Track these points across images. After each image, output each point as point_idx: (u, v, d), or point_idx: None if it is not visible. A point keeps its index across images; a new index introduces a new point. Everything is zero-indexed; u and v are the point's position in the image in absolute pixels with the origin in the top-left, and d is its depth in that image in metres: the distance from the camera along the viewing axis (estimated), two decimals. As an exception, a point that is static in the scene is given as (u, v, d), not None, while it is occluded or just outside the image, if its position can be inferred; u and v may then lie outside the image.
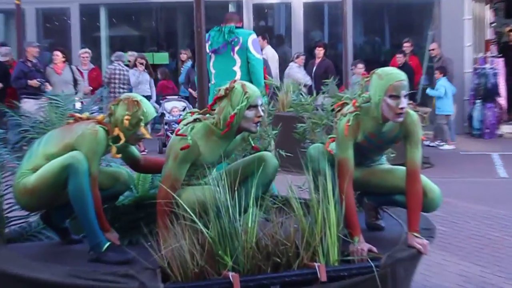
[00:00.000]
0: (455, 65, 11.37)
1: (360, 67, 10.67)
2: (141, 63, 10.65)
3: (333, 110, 3.65)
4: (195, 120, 3.26)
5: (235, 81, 3.31)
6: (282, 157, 4.04)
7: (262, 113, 3.25)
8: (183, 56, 11.64)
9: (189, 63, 11.24)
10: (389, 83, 3.21)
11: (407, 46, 11.28)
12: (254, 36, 5.26)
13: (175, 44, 14.27)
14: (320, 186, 3.10)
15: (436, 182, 3.44)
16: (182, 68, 11.38)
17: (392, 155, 4.06)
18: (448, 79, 10.63)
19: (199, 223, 2.93)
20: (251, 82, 4.90)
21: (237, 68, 5.08)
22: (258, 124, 3.26)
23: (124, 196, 3.72)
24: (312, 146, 3.51)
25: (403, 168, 3.38)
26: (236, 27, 5.23)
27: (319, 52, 11.18)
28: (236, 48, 5.15)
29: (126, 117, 3.24)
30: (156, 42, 14.50)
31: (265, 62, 10.61)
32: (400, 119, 3.23)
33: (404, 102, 3.20)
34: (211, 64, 5.11)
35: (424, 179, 3.39)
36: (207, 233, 2.92)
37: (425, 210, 3.42)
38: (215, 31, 5.17)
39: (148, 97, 10.48)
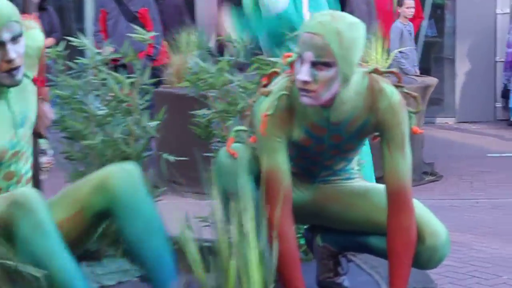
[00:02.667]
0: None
1: (410, 4, 10.65)
2: None
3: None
4: None
5: None
6: (171, 168, 4.11)
7: (12, 56, 3.15)
8: None
9: None
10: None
11: None
12: None
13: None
14: (235, 218, 3.18)
15: (444, 209, 3.50)
16: None
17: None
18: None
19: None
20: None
21: None
22: (17, 72, 3.18)
23: None
24: (224, 148, 3.55)
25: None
26: None
27: None
28: None
29: None
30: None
31: None
32: (305, 99, 3.29)
33: (303, 73, 3.24)
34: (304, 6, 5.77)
35: (420, 210, 3.49)
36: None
37: (419, 264, 3.53)
38: None
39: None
